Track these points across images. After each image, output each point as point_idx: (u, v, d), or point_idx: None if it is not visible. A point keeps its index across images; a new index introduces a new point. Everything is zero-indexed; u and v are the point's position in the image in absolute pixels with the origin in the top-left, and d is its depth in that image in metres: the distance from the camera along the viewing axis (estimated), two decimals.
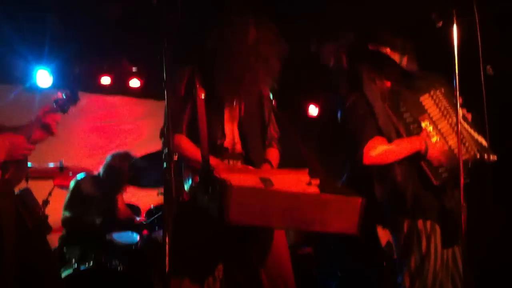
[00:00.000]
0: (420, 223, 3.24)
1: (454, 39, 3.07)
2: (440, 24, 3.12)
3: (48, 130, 3.72)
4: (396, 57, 3.46)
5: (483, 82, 3.10)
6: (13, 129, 3.66)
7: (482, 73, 3.12)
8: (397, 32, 3.51)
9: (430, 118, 3.35)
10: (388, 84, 3.45)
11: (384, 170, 3.30)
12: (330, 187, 2.85)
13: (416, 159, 3.26)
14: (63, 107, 3.87)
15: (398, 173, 3.28)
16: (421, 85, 3.45)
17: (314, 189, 2.88)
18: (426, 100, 3.40)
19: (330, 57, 3.60)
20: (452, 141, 3.29)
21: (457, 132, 3.04)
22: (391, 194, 3.30)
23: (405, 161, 3.27)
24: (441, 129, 3.34)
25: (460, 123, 3.18)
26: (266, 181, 2.77)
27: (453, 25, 3.07)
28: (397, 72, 3.45)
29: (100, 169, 5.72)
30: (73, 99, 3.93)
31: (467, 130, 3.36)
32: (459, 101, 3.37)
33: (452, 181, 3.23)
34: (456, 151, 3.22)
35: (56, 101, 3.86)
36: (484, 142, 3.35)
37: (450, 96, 3.38)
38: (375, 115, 3.29)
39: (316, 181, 2.92)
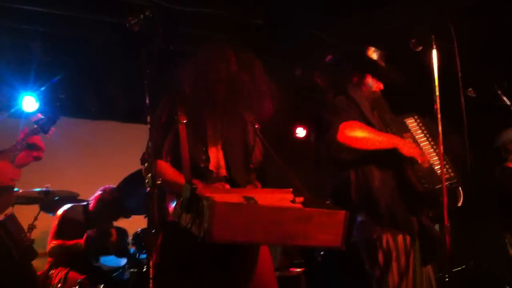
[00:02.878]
0: (400, 238, 3.25)
1: (434, 63, 3.12)
2: (419, 48, 3.18)
3: (37, 149, 3.69)
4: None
5: (463, 104, 3.15)
6: None
7: (462, 96, 3.16)
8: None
9: (413, 137, 3.39)
10: (372, 86, 3.50)
11: (362, 172, 3.31)
12: (314, 203, 2.84)
13: (399, 166, 3.27)
14: (44, 127, 3.90)
15: (376, 178, 3.29)
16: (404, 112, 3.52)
17: (298, 206, 2.89)
18: (410, 122, 3.45)
19: (317, 78, 3.63)
20: (433, 160, 3.33)
21: (438, 151, 3.08)
22: (365, 199, 3.31)
23: (386, 168, 3.29)
24: (423, 148, 3.38)
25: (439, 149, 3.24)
26: (249, 199, 2.78)
27: (432, 49, 3.12)
28: (379, 77, 3.49)
29: (90, 201, 5.67)
30: (53, 119, 3.96)
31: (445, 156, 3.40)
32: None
33: (430, 200, 3.26)
34: (436, 168, 3.30)
35: (36, 122, 3.89)
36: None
37: (432, 127, 3.44)
38: (361, 110, 3.32)
39: (300, 199, 2.93)
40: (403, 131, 3.39)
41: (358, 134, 3.21)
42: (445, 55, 3.09)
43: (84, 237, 5.23)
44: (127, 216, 5.86)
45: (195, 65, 3.19)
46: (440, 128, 3.09)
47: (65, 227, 5.36)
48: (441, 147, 3.08)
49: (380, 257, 3.27)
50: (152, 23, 2.74)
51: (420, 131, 3.45)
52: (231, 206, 2.58)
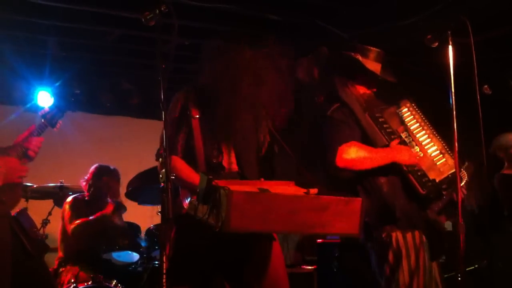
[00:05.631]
0: (409, 236, 3.24)
1: (450, 59, 3.10)
2: (435, 45, 3.16)
3: (26, 155, 3.72)
4: (369, 64, 3.47)
5: (479, 101, 3.13)
6: (3, 150, 3.68)
7: (478, 92, 3.14)
8: (393, 55, 3.54)
9: (409, 129, 3.38)
10: (361, 90, 3.48)
11: (369, 182, 3.31)
12: (327, 193, 2.84)
13: (400, 170, 3.27)
14: (51, 121, 3.95)
15: (384, 184, 3.28)
16: (396, 97, 3.49)
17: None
18: (404, 112, 3.43)
19: (303, 70, 3.62)
20: (431, 150, 3.35)
21: (453, 149, 3.07)
22: (378, 206, 3.29)
23: (390, 172, 3.28)
24: (419, 138, 3.38)
25: (436, 136, 3.32)
26: (264, 191, 2.77)
27: (448, 45, 3.10)
28: (369, 78, 3.48)
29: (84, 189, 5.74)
30: (60, 113, 4.00)
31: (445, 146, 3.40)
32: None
33: (434, 193, 3.25)
34: (435, 160, 3.33)
35: (44, 116, 3.93)
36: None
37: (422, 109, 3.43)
38: (358, 117, 3.31)
39: (314, 191, 2.92)
40: (398, 125, 3.38)
41: (356, 156, 3.22)
42: (461, 51, 3.07)
43: (111, 206, 5.31)
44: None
45: (214, 62, 3.20)
46: (455, 125, 3.08)
47: (79, 208, 5.42)
48: (456, 144, 3.07)
49: (390, 256, 3.26)
50: (168, 18, 2.74)
51: (414, 120, 3.43)
52: (248, 195, 2.59)
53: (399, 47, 3.76)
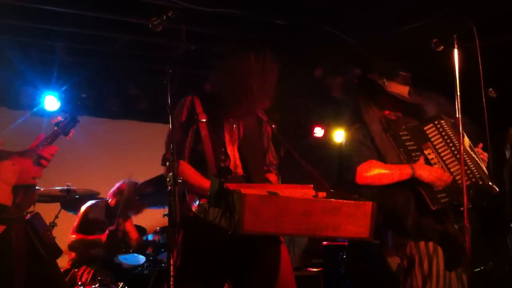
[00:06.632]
0: (422, 244, 3.26)
1: (455, 62, 3.11)
2: (441, 48, 3.18)
3: (39, 163, 3.75)
4: (394, 87, 3.49)
5: (485, 104, 3.14)
6: (19, 153, 3.72)
7: (483, 96, 3.15)
8: (399, 59, 3.55)
9: (434, 147, 3.38)
10: (386, 111, 3.50)
11: (382, 196, 3.32)
12: (337, 197, 2.85)
13: (415, 184, 3.29)
14: (64, 129, 3.98)
15: (399, 198, 3.31)
16: (427, 114, 3.50)
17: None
18: (430, 129, 3.42)
19: (339, 88, 3.68)
20: (454, 169, 3.32)
21: (460, 157, 3.08)
22: (391, 218, 3.31)
23: (405, 187, 3.30)
24: (444, 157, 3.36)
25: (466, 151, 3.26)
26: (273, 194, 2.77)
27: (454, 49, 3.12)
28: (394, 101, 3.49)
29: (109, 196, 5.76)
30: (73, 122, 4.04)
31: (472, 158, 3.37)
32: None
33: (455, 206, 3.26)
34: (457, 177, 3.27)
35: (57, 124, 3.96)
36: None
37: (455, 126, 3.41)
38: (373, 137, 3.35)
39: (322, 194, 2.93)
40: (422, 142, 3.39)
41: (376, 174, 3.28)
42: (467, 55, 3.09)
43: (106, 233, 5.33)
44: (139, 210, 5.96)
45: (219, 67, 3.22)
46: (461, 128, 3.09)
47: (87, 223, 5.47)
48: (462, 147, 3.08)
49: (404, 263, 3.29)
50: (174, 23, 2.76)
51: (441, 138, 3.42)
52: (261, 197, 2.60)
53: (405, 51, 3.76)
